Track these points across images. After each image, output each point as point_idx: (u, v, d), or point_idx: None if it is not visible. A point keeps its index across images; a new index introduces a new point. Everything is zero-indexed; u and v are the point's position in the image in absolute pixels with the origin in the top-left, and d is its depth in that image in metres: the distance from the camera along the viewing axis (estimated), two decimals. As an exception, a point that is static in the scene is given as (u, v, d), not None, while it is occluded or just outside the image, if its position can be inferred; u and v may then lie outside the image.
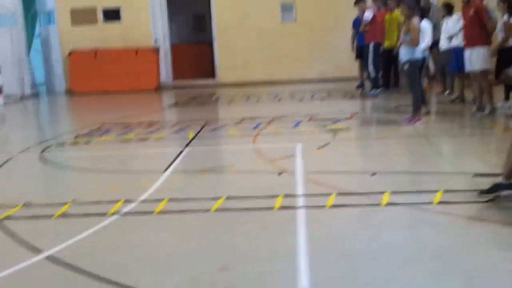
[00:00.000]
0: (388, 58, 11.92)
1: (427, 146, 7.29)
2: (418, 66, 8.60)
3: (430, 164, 6.31)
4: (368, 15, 11.65)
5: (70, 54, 15.02)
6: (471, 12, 8.61)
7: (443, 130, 8.38)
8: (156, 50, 15.02)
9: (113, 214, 4.90)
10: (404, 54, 8.49)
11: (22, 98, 14.42)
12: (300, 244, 4.05)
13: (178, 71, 15.73)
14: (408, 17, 8.42)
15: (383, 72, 12.22)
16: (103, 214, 4.90)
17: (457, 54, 9.66)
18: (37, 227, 4.80)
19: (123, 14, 15.14)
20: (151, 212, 4.92)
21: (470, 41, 8.68)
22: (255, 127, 8.80)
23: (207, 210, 4.89)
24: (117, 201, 5.19)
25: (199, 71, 16.09)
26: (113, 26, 15.15)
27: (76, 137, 8.78)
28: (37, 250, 4.15)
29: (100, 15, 15.22)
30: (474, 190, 4.87)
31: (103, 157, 7.53)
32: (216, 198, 5.15)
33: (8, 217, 4.95)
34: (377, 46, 11.66)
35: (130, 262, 3.93)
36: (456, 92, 10.47)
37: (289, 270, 3.65)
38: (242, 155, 7.16)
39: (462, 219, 4.46)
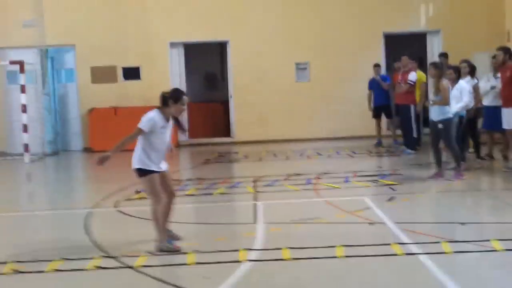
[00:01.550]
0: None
1: (490, 198, 7.85)
2: (455, 123, 9.16)
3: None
4: (413, 76, 12.24)
5: (90, 111, 15.29)
6: (508, 73, 9.31)
7: (491, 183, 8.97)
8: (175, 108, 15.44)
9: (243, 261, 5.27)
10: (437, 115, 9.03)
11: (44, 156, 14.57)
12: None
13: (193, 130, 16.13)
14: (437, 77, 9.03)
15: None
16: (235, 261, 5.25)
17: (488, 112, 10.32)
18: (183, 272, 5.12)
19: (142, 73, 15.58)
20: (278, 259, 5.27)
21: (508, 101, 9.33)
22: (307, 183, 9.23)
23: (335, 257, 5.29)
24: (236, 250, 5.53)
25: (213, 130, 16.53)
26: (132, 84, 15.57)
27: (137, 192, 9.03)
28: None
29: (120, 73, 15.62)
30: None
31: (183, 209, 7.84)
32: (332, 246, 5.54)
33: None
34: (414, 107, 12.27)
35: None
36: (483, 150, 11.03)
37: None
38: (319, 208, 7.56)
39: None
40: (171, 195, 6.03)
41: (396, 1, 15.63)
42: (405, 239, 5.81)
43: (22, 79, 13.60)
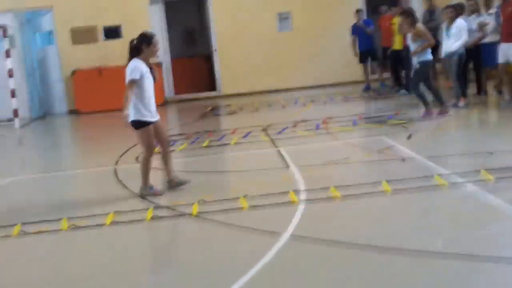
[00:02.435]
0: (396, 60, 12.78)
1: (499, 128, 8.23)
2: (430, 66, 9.52)
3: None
4: None
5: (74, 73, 15.06)
6: (510, 8, 9.52)
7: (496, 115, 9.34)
8: (159, 65, 15.33)
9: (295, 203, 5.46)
10: (416, 58, 9.30)
11: (32, 120, 14.37)
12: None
13: (178, 85, 16.07)
14: (411, 25, 9.25)
15: (393, 73, 13.12)
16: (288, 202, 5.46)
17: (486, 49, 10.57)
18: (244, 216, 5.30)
19: (123, 31, 15.34)
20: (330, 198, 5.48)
21: (509, 36, 9.56)
22: (317, 128, 9.42)
23: (383, 192, 5.53)
24: (285, 192, 5.74)
25: (198, 84, 16.48)
26: (114, 43, 15.33)
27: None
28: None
29: (100, 33, 15.35)
30: None
31: (209, 160, 7.95)
32: (376, 182, 5.78)
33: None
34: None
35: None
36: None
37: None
38: (343, 149, 7.76)
39: None
40: (165, 143, 6.47)
41: None
42: (443, 170, 6.07)
43: (6, 44, 13.26)
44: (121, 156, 8.63)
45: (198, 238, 5.02)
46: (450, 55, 9.94)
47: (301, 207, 5.38)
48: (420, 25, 9.38)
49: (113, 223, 5.46)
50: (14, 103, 13.38)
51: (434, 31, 11.11)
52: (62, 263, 4.76)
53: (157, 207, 5.84)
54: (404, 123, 9.06)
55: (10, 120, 13.62)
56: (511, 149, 6.84)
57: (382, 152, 7.23)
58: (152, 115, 6.24)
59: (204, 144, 9.03)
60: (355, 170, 6.75)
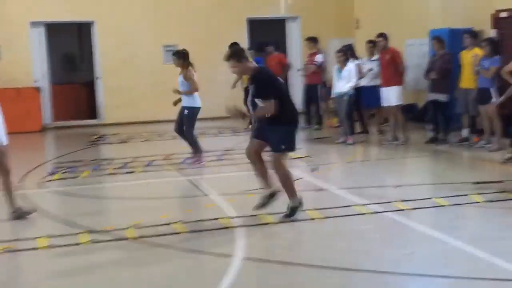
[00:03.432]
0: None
1: (396, 165, 9.00)
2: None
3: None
4: (319, 58, 13.01)
5: None
6: (387, 56, 10.53)
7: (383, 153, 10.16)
8: (38, 90, 14.81)
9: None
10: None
11: None
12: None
13: (57, 112, 15.59)
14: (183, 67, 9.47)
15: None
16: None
17: (366, 92, 11.53)
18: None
19: (2, 52, 14.67)
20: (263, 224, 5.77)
21: (388, 81, 10.56)
22: (220, 159, 9.70)
23: (313, 219, 5.91)
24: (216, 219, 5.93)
25: (78, 112, 16.09)
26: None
27: (55, 173, 8.81)
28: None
29: (-23, 54, 14.57)
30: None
31: (120, 187, 7.90)
32: (303, 210, 6.15)
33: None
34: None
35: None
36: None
37: None
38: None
39: None
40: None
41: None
42: (359, 200, 6.58)
43: None
44: None
45: (151, 262, 5.03)
46: (341, 95, 10.70)
47: (239, 231, 5.59)
48: (190, 69, 9.43)
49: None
50: None
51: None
52: None
53: (92, 231, 5.75)
54: (303, 157, 9.57)
55: None
56: (413, 182, 7.58)
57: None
58: None
59: (109, 171, 8.93)
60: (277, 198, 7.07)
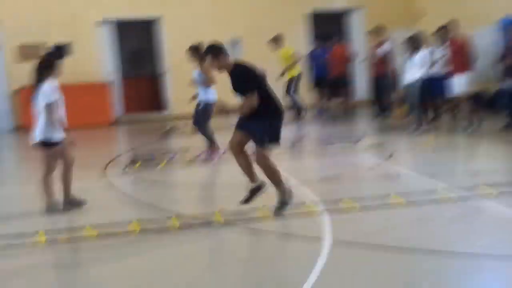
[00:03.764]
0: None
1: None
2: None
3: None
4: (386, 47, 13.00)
5: (19, 90, 14.65)
6: (457, 44, 10.40)
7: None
8: (108, 84, 15.26)
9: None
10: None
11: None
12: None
13: (127, 105, 16.04)
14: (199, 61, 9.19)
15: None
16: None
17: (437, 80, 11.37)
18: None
19: (74, 49, 15.19)
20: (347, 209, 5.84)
21: (457, 68, 10.41)
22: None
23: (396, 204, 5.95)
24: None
25: (146, 105, 16.51)
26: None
27: (132, 163, 9.10)
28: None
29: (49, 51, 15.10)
30: None
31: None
32: (387, 195, 6.19)
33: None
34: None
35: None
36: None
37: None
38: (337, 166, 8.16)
39: None
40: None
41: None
42: (442, 185, 6.56)
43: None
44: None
45: (244, 247, 5.20)
46: (412, 83, 10.62)
47: (325, 217, 5.68)
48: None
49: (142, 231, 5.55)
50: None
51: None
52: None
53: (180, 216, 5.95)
54: (376, 144, 9.60)
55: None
56: (493, 168, 7.51)
57: (373, 169, 7.68)
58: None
59: (187, 160, 9.20)
60: (361, 184, 7.12)
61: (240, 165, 5.97)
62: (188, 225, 5.70)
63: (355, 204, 5.99)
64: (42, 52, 14.94)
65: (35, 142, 6.40)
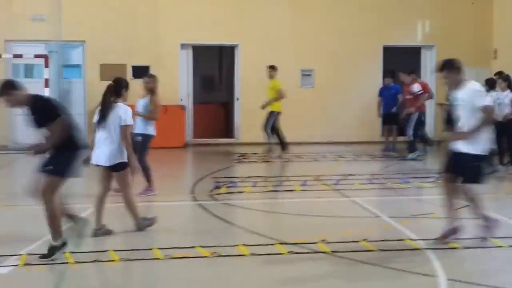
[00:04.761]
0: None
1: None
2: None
3: None
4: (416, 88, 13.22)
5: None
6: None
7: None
8: (183, 108, 15.68)
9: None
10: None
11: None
12: None
13: (196, 130, 16.43)
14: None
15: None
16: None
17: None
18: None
19: (151, 72, 15.70)
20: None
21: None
22: (369, 182, 9.95)
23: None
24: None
25: (214, 130, 16.89)
26: (141, 83, 15.61)
27: (219, 187, 9.37)
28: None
29: (129, 72, 15.67)
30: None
31: (289, 203, 8.32)
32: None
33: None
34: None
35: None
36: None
37: None
38: (422, 204, 8.25)
39: None
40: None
41: (395, 16, 16.61)
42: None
43: (46, 72, 13.50)
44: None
45: (362, 278, 5.34)
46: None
47: (429, 253, 5.80)
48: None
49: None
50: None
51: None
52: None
53: (284, 243, 6.15)
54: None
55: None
56: None
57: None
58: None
59: (269, 188, 9.41)
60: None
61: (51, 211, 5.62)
62: (293, 252, 5.89)
63: (456, 243, 6.09)
64: (123, 73, 15.56)
65: (104, 165, 6.41)
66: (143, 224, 6.72)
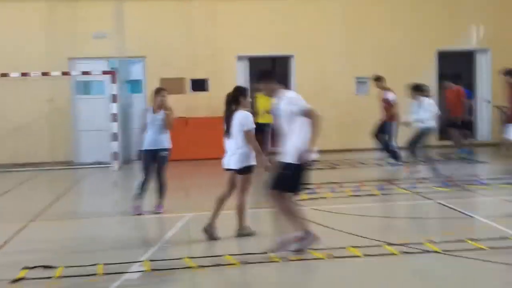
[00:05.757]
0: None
1: None
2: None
3: None
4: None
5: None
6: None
7: None
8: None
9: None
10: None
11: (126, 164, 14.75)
12: None
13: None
14: None
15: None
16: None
17: None
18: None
19: (210, 85, 16.06)
20: None
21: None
22: (446, 185, 10.03)
23: None
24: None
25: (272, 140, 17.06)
26: (200, 95, 15.99)
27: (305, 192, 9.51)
28: None
29: (188, 85, 16.01)
30: None
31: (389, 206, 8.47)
32: None
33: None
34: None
35: None
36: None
37: None
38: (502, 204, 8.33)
39: None
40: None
41: (448, 21, 16.67)
42: None
43: (114, 88, 13.86)
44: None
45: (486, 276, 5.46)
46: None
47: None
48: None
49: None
50: (114, 146, 13.81)
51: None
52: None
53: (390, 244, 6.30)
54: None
55: (100, 163, 14.14)
56: None
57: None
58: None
59: (348, 194, 9.56)
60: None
61: None
62: (406, 252, 6.03)
63: None
64: (182, 87, 15.92)
65: (232, 168, 6.75)
66: (244, 232, 6.94)
